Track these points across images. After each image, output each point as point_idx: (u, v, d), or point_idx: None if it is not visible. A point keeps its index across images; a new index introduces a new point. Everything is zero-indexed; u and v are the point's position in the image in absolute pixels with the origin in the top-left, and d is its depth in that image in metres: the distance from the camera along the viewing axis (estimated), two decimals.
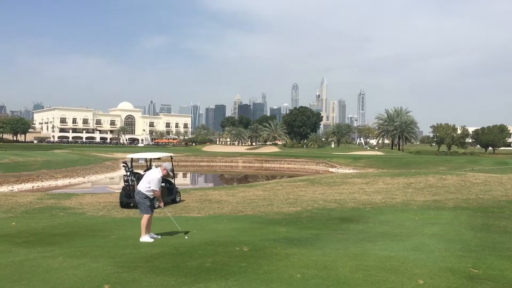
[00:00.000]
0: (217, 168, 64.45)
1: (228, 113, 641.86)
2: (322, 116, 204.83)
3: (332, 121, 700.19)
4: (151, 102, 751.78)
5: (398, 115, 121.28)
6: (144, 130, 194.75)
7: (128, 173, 17.75)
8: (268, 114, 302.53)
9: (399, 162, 55.18)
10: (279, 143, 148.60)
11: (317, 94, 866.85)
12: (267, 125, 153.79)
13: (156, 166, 13.53)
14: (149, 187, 9.58)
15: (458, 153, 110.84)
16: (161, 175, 9.72)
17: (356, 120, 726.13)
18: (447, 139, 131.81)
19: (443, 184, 20.98)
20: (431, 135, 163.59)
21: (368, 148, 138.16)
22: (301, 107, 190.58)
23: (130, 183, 17.37)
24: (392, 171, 29.93)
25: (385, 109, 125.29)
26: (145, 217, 9.57)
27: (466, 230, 10.04)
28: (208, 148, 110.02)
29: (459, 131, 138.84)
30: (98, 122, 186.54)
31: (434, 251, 7.73)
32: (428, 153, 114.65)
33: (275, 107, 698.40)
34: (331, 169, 57.50)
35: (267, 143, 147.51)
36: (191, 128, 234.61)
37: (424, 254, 7.46)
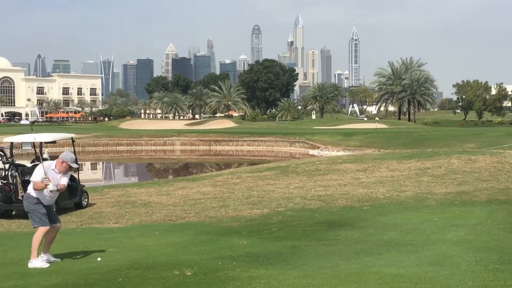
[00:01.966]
0: (143, 155, 63.90)
1: (158, 71, 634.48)
2: (297, 73, 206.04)
3: (312, 80, 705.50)
4: (39, 57, 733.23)
5: (408, 69, 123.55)
6: (29, 100, 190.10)
7: (7, 166, 17.32)
8: (218, 72, 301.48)
9: (409, 138, 56.41)
10: (235, 114, 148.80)
11: (289, 41, 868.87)
12: (217, 88, 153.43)
13: (50, 156, 13.26)
14: None
15: (493, 123, 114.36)
16: (57, 169, 9.59)
17: (346, 78, 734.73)
18: (477, 103, 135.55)
19: (472, 169, 21.62)
20: (455, 97, 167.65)
21: (366, 119, 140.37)
22: (266, 60, 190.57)
23: (11, 181, 16.99)
24: (400, 152, 30.57)
25: (389, 62, 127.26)
26: (40, 232, 9.43)
27: (505, 233, 10.41)
28: (129, 124, 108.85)
29: (493, 92, 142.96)
30: None
31: (461, 264, 7.99)
32: (450, 123, 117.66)
33: (227, 62, 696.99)
34: (312, 151, 58.10)
35: (218, 115, 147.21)
36: (102, 95, 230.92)
37: (447, 270, 7.70)
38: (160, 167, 53.01)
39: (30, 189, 9.57)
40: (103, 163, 57.21)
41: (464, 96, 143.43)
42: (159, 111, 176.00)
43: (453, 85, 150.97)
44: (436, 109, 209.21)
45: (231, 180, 23.23)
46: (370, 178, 21.15)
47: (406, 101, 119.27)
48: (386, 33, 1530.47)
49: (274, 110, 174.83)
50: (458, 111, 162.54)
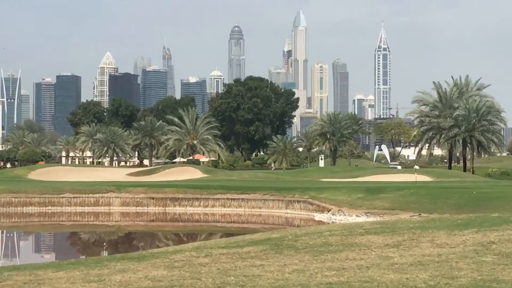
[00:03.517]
0: (63, 219, 63.57)
1: (88, 93, 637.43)
2: (298, 99, 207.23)
3: (320, 108, 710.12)
4: None
5: (462, 94, 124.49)
6: None
7: None
8: (178, 96, 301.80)
9: (465, 197, 56.59)
10: (204, 159, 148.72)
11: (285, 50, 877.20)
12: (176, 119, 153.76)
13: None
14: None
15: None
16: None
17: (371, 106, 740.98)
18: None
19: None
20: None
21: (399, 167, 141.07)
22: (250, 78, 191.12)
23: None
24: (450, 218, 30.68)
25: (434, 83, 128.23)
26: None
27: None
28: (43, 173, 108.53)
29: None
30: None
31: None
32: None
33: (192, 80, 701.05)
34: (318, 216, 58.19)
35: (177, 160, 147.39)
36: (3, 129, 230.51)
37: None
38: (89, 239, 52.73)
39: None
40: (1, 233, 56.87)
41: None
42: (89, 153, 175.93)
43: None
44: (505, 154, 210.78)
45: (197, 260, 23.20)
46: (405, 258, 21.21)
47: (460, 142, 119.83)
48: (430, 40, 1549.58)
49: (262, 153, 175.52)
50: None
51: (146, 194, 70.55)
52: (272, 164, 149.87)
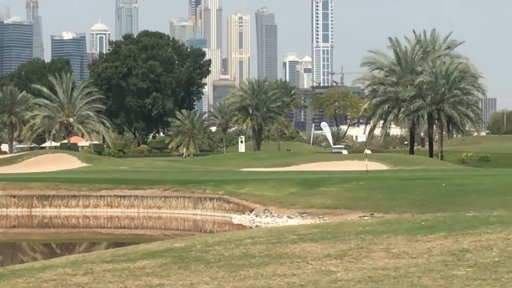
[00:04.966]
0: None
1: None
2: (209, 61, 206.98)
3: (240, 73, 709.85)
4: None
5: (427, 53, 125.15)
6: None
7: None
8: (49, 57, 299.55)
9: (431, 190, 57.15)
10: (84, 143, 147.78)
11: None
12: (46, 90, 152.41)
13: None
14: None
15: None
16: None
17: (308, 70, 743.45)
18: None
19: None
20: None
21: (346, 151, 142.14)
22: (145, 34, 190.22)
23: None
24: (411, 219, 30.96)
25: (391, 39, 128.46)
26: None
27: None
28: None
29: None
30: None
31: None
32: (508, 158, 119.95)
33: (67, 37, 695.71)
34: (237, 218, 58.37)
35: (48, 144, 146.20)
36: None
37: None
38: None
39: None
40: None
41: None
42: None
43: None
44: (483, 133, 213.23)
45: (73, 279, 22.98)
46: (352, 273, 21.30)
47: (425, 117, 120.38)
48: None
49: (162, 134, 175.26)
50: None
51: (4, 191, 70.03)
52: (184, 150, 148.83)
